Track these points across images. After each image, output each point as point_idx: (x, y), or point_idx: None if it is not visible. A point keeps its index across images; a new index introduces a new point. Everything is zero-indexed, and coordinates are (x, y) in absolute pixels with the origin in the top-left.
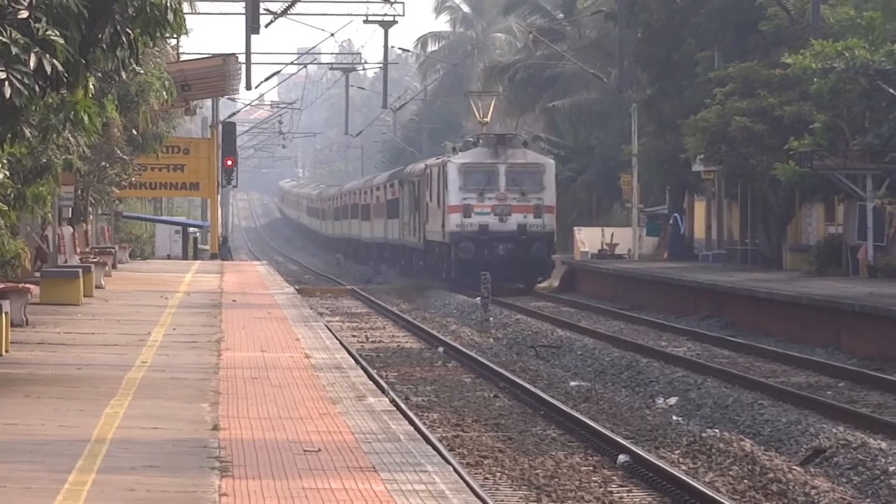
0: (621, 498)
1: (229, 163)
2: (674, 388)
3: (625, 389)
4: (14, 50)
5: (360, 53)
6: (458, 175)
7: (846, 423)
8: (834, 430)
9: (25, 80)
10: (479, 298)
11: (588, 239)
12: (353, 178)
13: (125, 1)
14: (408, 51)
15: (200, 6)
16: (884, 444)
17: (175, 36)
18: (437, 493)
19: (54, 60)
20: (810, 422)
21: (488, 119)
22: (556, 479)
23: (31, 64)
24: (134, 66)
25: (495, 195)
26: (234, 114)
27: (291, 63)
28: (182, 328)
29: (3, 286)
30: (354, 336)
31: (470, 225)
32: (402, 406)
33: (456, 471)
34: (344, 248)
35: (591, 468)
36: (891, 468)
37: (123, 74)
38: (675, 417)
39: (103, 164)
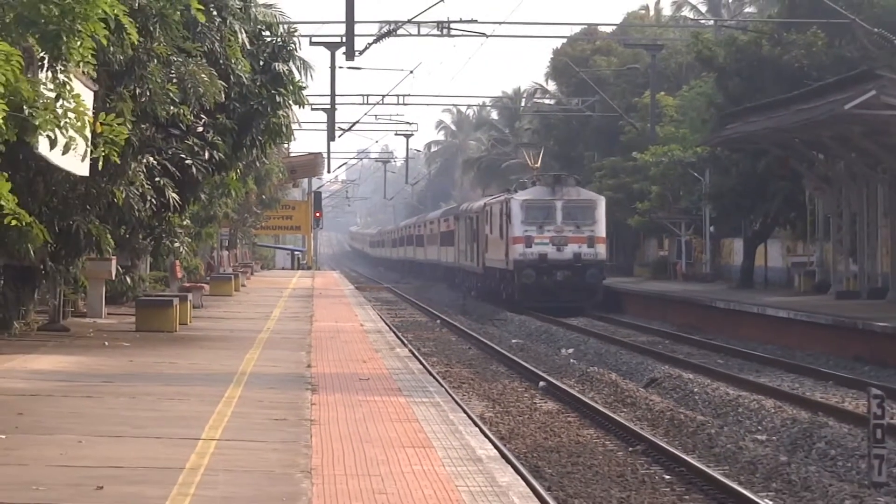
0: (541, 406)
1: (318, 215)
2: (571, 343)
3: (543, 344)
4: (196, 148)
5: (392, 152)
6: (521, 210)
7: (670, 363)
8: (663, 368)
9: (203, 165)
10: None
11: None
12: (389, 225)
13: (259, 121)
14: (420, 150)
15: (300, 124)
16: (691, 376)
17: (287, 141)
18: (434, 403)
19: (219, 154)
20: (649, 363)
21: (539, 164)
22: (504, 395)
23: (206, 156)
24: (263, 159)
25: (553, 228)
26: (320, 186)
27: (353, 157)
28: (290, 309)
29: (189, 285)
30: (388, 313)
31: (531, 254)
32: (416, 354)
33: (447, 391)
34: (399, 266)
35: (523, 389)
36: (695, 389)
37: (257, 164)
38: (572, 361)
39: (245, 215)
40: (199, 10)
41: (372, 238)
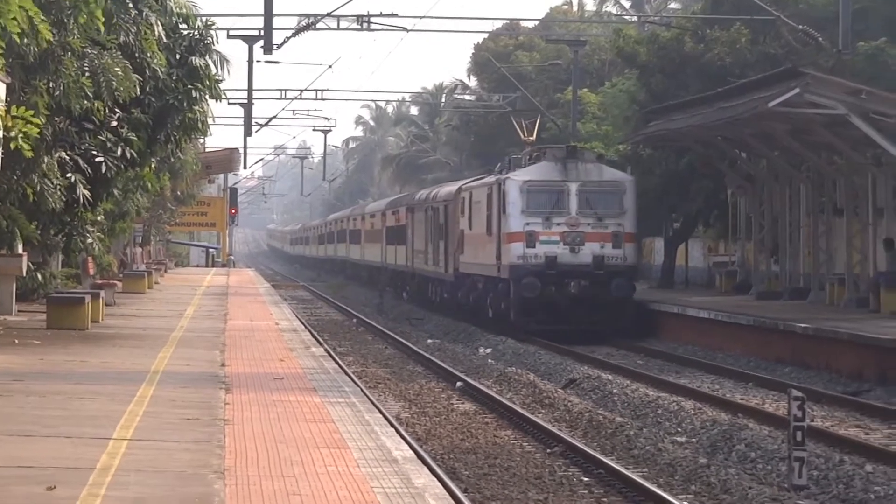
0: (458, 407)
1: (233, 211)
2: (489, 343)
3: (460, 344)
4: (108, 144)
5: (310, 148)
6: (520, 195)
7: (588, 364)
8: (581, 368)
9: (115, 162)
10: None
11: None
12: (312, 220)
13: (174, 116)
14: (338, 147)
15: (217, 119)
16: (610, 377)
17: (202, 136)
18: (350, 403)
19: (132, 151)
20: (568, 363)
21: (534, 137)
22: (420, 396)
23: (118, 152)
24: (179, 154)
25: (565, 220)
26: (236, 182)
27: (270, 153)
28: (204, 307)
29: (101, 282)
30: (304, 312)
31: (535, 256)
32: (332, 353)
33: (362, 391)
34: (328, 266)
35: (440, 390)
36: (614, 390)
37: (172, 159)
38: (490, 361)
39: (160, 211)
40: None
41: (293, 235)
